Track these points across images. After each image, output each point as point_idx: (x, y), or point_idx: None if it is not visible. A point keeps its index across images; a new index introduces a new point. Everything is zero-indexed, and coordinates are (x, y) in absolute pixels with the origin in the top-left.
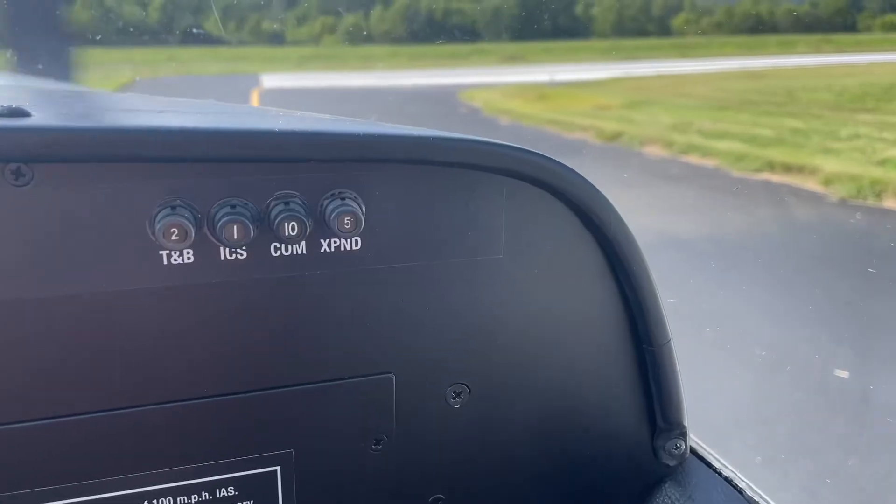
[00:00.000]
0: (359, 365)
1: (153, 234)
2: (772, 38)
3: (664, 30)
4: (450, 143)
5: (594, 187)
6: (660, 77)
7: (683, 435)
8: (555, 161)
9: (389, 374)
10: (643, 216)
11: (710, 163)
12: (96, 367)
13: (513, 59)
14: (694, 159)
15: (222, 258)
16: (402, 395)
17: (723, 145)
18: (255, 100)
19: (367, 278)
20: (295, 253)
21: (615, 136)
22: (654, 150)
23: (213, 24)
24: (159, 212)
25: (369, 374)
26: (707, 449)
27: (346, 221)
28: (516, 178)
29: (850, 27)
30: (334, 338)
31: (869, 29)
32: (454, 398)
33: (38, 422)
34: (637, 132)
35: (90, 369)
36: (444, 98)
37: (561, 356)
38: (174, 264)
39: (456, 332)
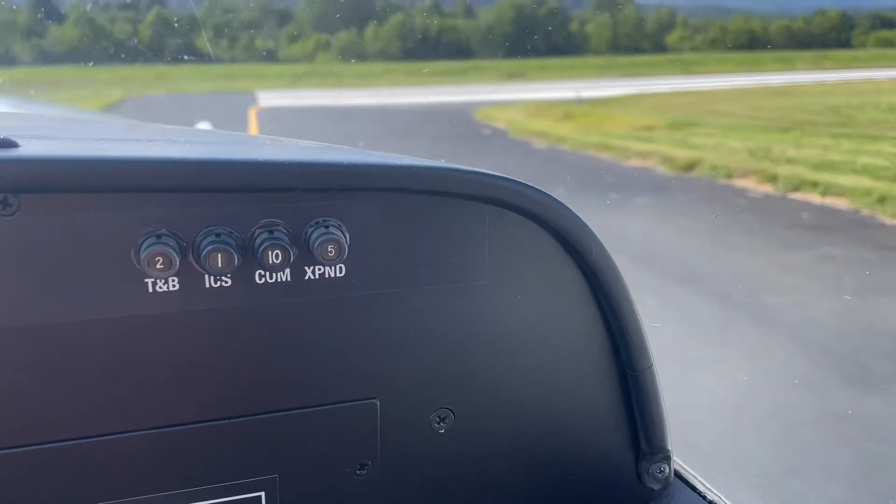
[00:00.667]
0: (343, 390)
1: (138, 262)
2: (769, 55)
3: (659, 47)
4: (432, 171)
5: (576, 215)
6: (682, 94)
7: (667, 459)
8: (537, 189)
9: (374, 400)
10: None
11: (841, 204)
12: (80, 394)
13: (513, 76)
14: (815, 198)
15: (207, 286)
16: (386, 420)
17: (844, 180)
18: (252, 119)
19: (351, 305)
20: (279, 280)
21: (690, 166)
22: (750, 184)
23: (205, 41)
24: (144, 240)
25: (354, 400)
26: (692, 472)
27: (329, 249)
28: (499, 205)
29: (845, 43)
30: (319, 363)
31: (863, 45)
32: (438, 423)
33: (19, 449)
34: (715, 160)
35: (74, 397)
36: (459, 118)
37: (544, 381)
38: (159, 292)
39: (440, 358)
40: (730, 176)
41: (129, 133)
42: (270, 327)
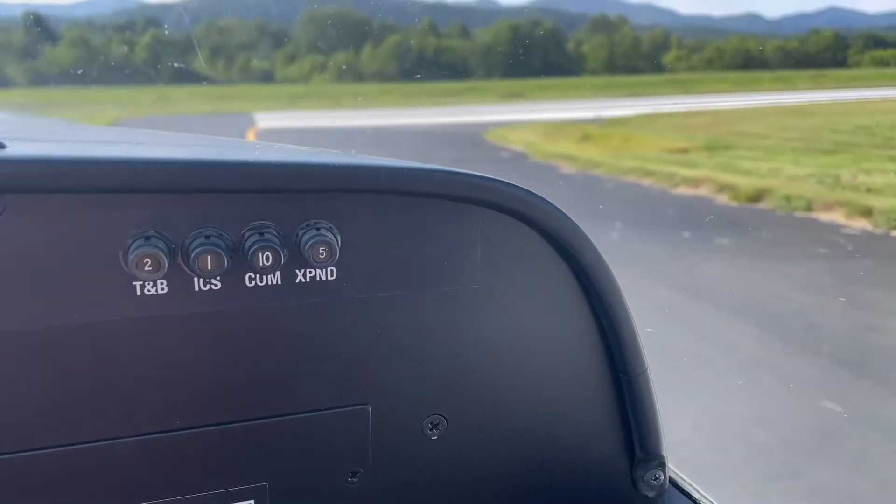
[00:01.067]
0: (334, 396)
1: (126, 264)
2: (767, 74)
3: (656, 66)
4: (424, 173)
5: (568, 217)
6: (697, 114)
7: (662, 465)
8: (529, 191)
9: (365, 406)
10: None
11: None
12: (68, 399)
13: (513, 96)
14: None
15: (196, 288)
16: (378, 426)
17: None
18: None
19: (342, 309)
20: (270, 283)
21: (757, 196)
22: (839, 218)
23: (201, 63)
24: (133, 242)
25: (345, 406)
26: (687, 480)
27: (320, 251)
28: (491, 208)
29: (841, 62)
30: (309, 369)
31: (859, 64)
32: (431, 429)
33: (5, 455)
34: (783, 188)
35: (62, 401)
36: (469, 140)
37: (538, 386)
38: (148, 295)
39: (433, 363)
40: (809, 208)
41: (117, 136)
42: (260, 331)
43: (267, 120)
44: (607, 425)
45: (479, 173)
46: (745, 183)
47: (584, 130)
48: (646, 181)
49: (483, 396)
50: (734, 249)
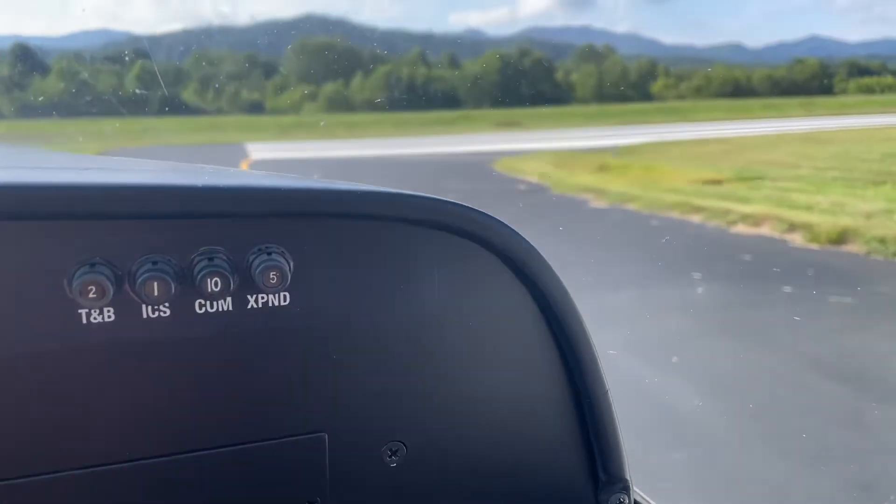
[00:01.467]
0: (289, 424)
1: (70, 292)
2: (756, 102)
3: (645, 95)
4: (378, 196)
5: (526, 241)
6: (704, 142)
7: (626, 489)
8: (486, 215)
9: (322, 434)
10: None
11: None
12: (10, 430)
13: (508, 125)
14: None
15: (144, 316)
16: (335, 455)
17: None
18: None
19: (296, 334)
20: (220, 310)
21: (840, 237)
22: None
23: (190, 93)
24: (77, 269)
25: (300, 434)
26: (652, 503)
27: (271, 276)
28: (449, 231)
29: (827, 90)
30: (263, 396)
31: (844, 91)
32: (390, 457)
33: None
34: (874, 230)
35: (4, 433)
36: (477, 170)
37: (499, 411)
38: (93, 323)
39: (390, 389)
40: None
41: (65, 162)
42: (211, 358)
43: (260, 151)
44: (570, 449)
45: (434, 196)
46: (819, 221)
47: (600, 160)
48: (694, 218)
49: (443, 422)
50: (862, 311)
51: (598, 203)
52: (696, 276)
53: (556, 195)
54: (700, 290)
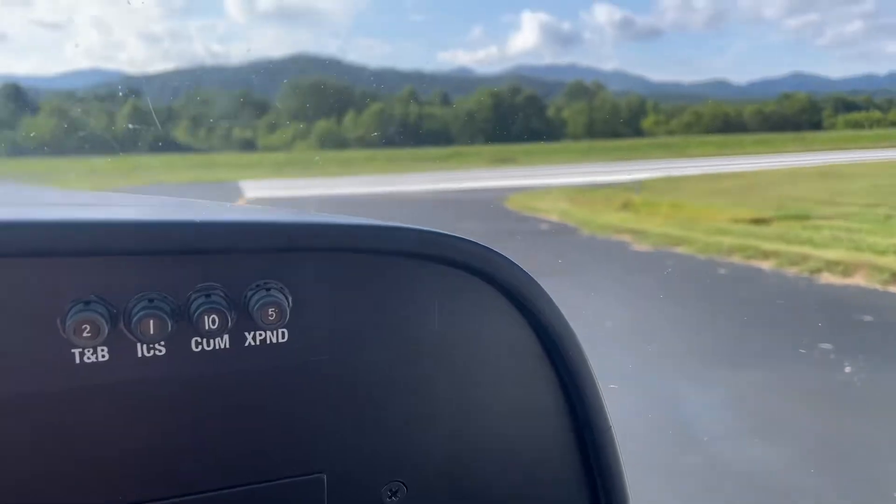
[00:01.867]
0: (287, 465)
1: (64, 330)
2: (749, 137)
3: (636, 131)
4: (376, 230)
5: (527, 274)
6: (719, 177)
7: None
8: (486, 247)
9: (321, 475)
10: None
11: None
12: (2, 471)
13: (504, 161)
14: None
15: (140, 355)
16: (334, 496)
17: None
18: None
19: (295, 372)
20: (217, 347)
21: None
22: None
23: (182, 131)
24: (71, 308)
25: (298, 475)
26: None
27: (270, 313)
28: (448, 265)
29: (816, 125)
30: (261, 436)
31: (833, 126)
32: (391, 497)
33: None
34: None
35: None
36: (488, 208)
37: (500, 446)
38: (87, 363)
39: (390, 427)
40: None
41: (59, 198)
42: (208, 397)
43: (255, 188)
44: (572, 485)
45: (433, 229)
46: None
47: (621, 197)
48: (765, 265)
49: (444, 460)
50: None
51: (641, 246)
52: (826, 346)
53: (587, 236)
54: (847, 368)
